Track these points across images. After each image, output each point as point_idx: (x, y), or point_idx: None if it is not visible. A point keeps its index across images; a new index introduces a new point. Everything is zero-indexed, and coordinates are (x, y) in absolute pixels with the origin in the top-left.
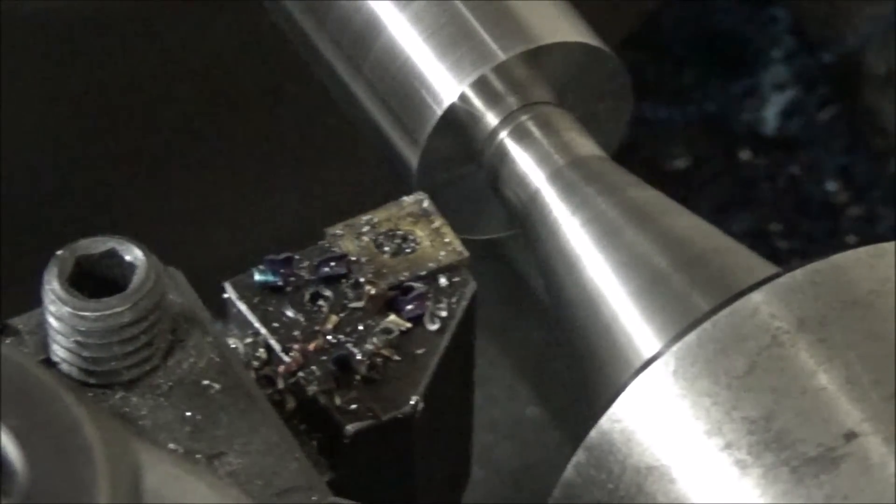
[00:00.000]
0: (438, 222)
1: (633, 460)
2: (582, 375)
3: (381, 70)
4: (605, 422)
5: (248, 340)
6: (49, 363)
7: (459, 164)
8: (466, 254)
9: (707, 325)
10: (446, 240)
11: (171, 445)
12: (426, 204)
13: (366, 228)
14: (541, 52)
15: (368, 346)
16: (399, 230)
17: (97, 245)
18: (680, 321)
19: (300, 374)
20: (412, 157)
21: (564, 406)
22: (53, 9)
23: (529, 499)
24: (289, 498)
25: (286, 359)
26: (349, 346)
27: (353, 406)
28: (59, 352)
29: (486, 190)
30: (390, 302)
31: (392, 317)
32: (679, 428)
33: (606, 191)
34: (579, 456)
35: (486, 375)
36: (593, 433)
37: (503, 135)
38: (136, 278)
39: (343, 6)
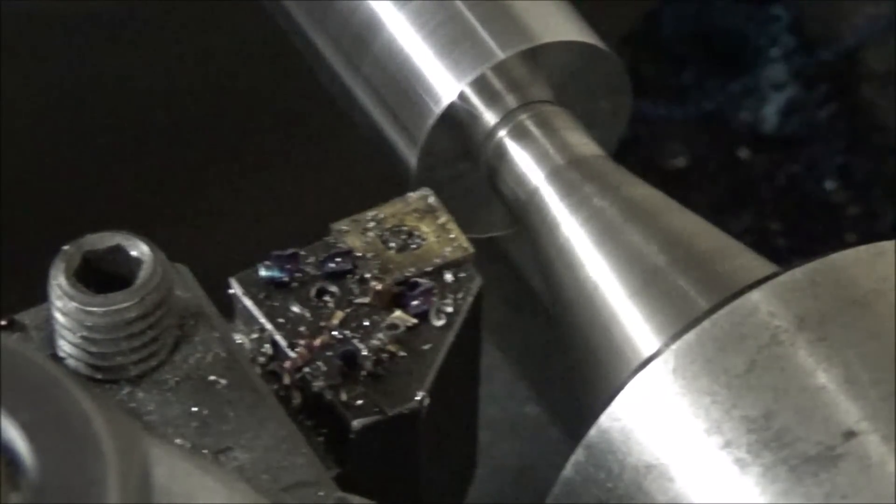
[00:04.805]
0: (444, 218)
1: (632, 459)
2: (581, 374)
3: (381, 69)
4: (604, 420)
5: (254, 336)
6: (55, 358)
7: (458, 163)
8: (472, 250)
9: (706, 323)
10: (452, 235)
11: (178, 440)
12: (432, 200)
13: (371, 224)
14: (540, 50)
15: (374, 342)
16: (404, 226)
17: (103, 240)
18: (679, 320)
19: (306, 369)
20: (411, 156)
21: (564, 404)
22: (53, 9)
23: (528, 497)
24: (296, 493)
25: (292, 354)
26: (355, 341)
27: (359, 402)
28: (65, 347)
29: (485, 188)
30: (396, 297)
31: (398, 312)
32: (678, 426)
33: (605, 189)
34: (578, 454)
35: (485, 374)
36: (592, 431)
37: (502, 133)
38: (143, 273)
39: (342, 6)
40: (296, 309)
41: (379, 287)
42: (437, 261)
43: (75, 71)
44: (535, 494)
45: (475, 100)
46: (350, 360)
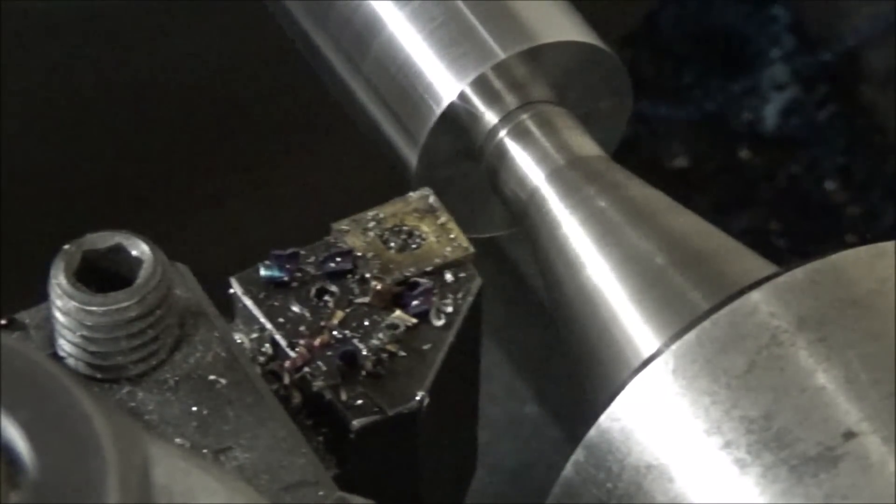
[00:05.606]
0: (444, 218)
1: (632, 459)
2: (581, 374)
3: (381, 69)
4: (604, 420)
5: (254, 336)
6: (55, 358)
7: (459, 163)
8: (472, 250)
9: (706, 323)
10: (452, 235)
11: (178, 440)
12: (432, 199)
13: (371, 224)
14: (540, 50)
15: (374, 342)
16: (405, 226)
17: (104, 240)
18: (679, 320)
19: (306, 369)
20: (411, 156)
21: (563, 405)
22: (53, 8)
23: (528, 497)
24: (295, 492)
25: (292, 354)
26: (355, 341)
27: (359, 401)
28: (65, 346)
29: (486, 188)
30: (396, 297)
31: (398, 312)
32: (678, 427)
33: (605, 189)
34: (578, 454)
35: (485, 374)
36: (592, 432)
37: (502, 133)
38: (143, 273)
39: (343, 6)
40: (296, 309)
41: (379, 287)
42: (437, 261)
43: (75, 71)
44: (535, 494)
45: (475, 100)
46: (350, 359)
